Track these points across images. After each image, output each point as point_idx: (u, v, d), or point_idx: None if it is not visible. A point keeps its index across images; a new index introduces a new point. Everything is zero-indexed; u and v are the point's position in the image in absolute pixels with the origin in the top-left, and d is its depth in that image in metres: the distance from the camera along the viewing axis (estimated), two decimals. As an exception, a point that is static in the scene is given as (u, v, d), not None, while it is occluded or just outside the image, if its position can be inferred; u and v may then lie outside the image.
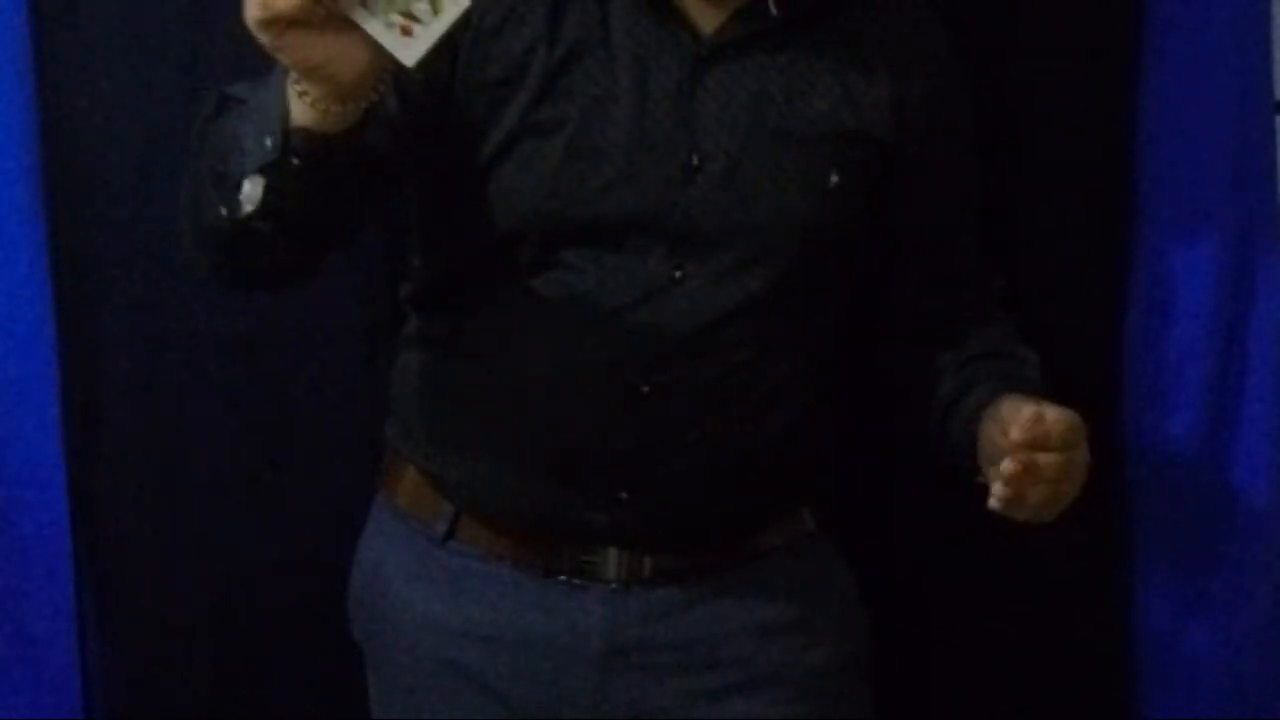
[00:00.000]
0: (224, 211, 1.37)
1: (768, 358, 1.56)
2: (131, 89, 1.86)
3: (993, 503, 1.42)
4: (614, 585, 1.58)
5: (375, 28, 1.25)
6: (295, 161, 1.32)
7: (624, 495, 1.55)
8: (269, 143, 1.32)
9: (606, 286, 1.51)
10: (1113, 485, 1.90)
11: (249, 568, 1.96)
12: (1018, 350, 1.66)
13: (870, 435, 1.83)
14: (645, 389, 1.53)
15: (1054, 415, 1.41)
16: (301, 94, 1.29)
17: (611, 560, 1.58)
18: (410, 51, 1.25)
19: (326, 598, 1.80)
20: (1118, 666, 1.93)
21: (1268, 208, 1.85)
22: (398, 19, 1.25)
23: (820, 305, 1.61)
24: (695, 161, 1.50)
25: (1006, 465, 1.39)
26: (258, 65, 1.81)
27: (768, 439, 1.58)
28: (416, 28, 1.25)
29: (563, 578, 1.59)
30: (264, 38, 1.25)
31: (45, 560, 1.92)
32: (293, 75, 1.29)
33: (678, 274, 1.52)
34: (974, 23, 1.80)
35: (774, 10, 1.52)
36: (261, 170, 1.33)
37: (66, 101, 1.86)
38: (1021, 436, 1.39)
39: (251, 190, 1.34)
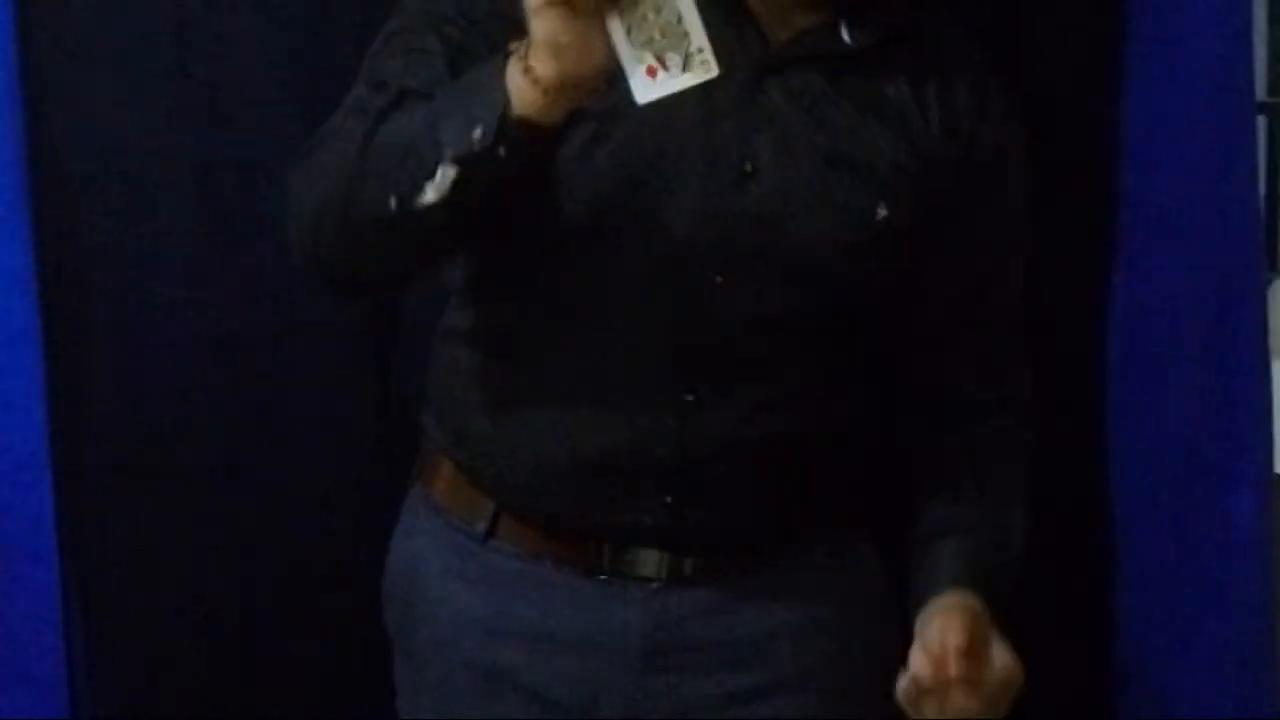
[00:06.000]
0: (394, 202, 1.37)
1: (810, 367, 1.56)
2: (118, 93, 1.87)
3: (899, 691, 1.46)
4: (655, 584, 1.58)
5: (626, 55, 1.31)
6: (502, 151, 1.33)
7: (668, 499, 1.55)
8: (479, 132, 1.33)
9: (651, 288, 1.51)
10: (1096, 483, 1.90)
11: (236, 568, 1.96)
12: (1006, 513, 1.65)
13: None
14: (689, 398, 1.53)
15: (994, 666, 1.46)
16: (529, 72, 1.31)
17: (653, 560, 1.58)
18: (645, 91, 1.32)
19: (314, 598, 1.80)
20: (1100, 667, 1.94)
21: (1249, 206, 1.85)
22: (649, 58, 1.31)
23: (861, 321, 1.60)
24: (749, 169, 1.50)
25: (921, 669, 1.44)
26: (242, 68, 1.85)
27: (810, 445, 1.58)
28: (661, 73, 1.31)
29: (603, 577, 1.58)
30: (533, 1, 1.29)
31: (31, 562, 1.91)
32: (521, 59, 1.31)
33: (719, 279, 1.51)
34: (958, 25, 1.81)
35: (847, 38, 1.52)
36: (459, 161, 1.34)
37: (53, 103, 1.86)
38: (954, 670, 1.43)
39: (442, 180, 1.35)
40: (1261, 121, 2.01)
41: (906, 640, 1.69)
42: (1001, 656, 1.48)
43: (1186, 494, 1.89)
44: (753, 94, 1.51)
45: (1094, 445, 1.89)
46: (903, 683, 1.45)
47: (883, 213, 1.54)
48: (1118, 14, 1.81)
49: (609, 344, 1.53)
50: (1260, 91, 1.85)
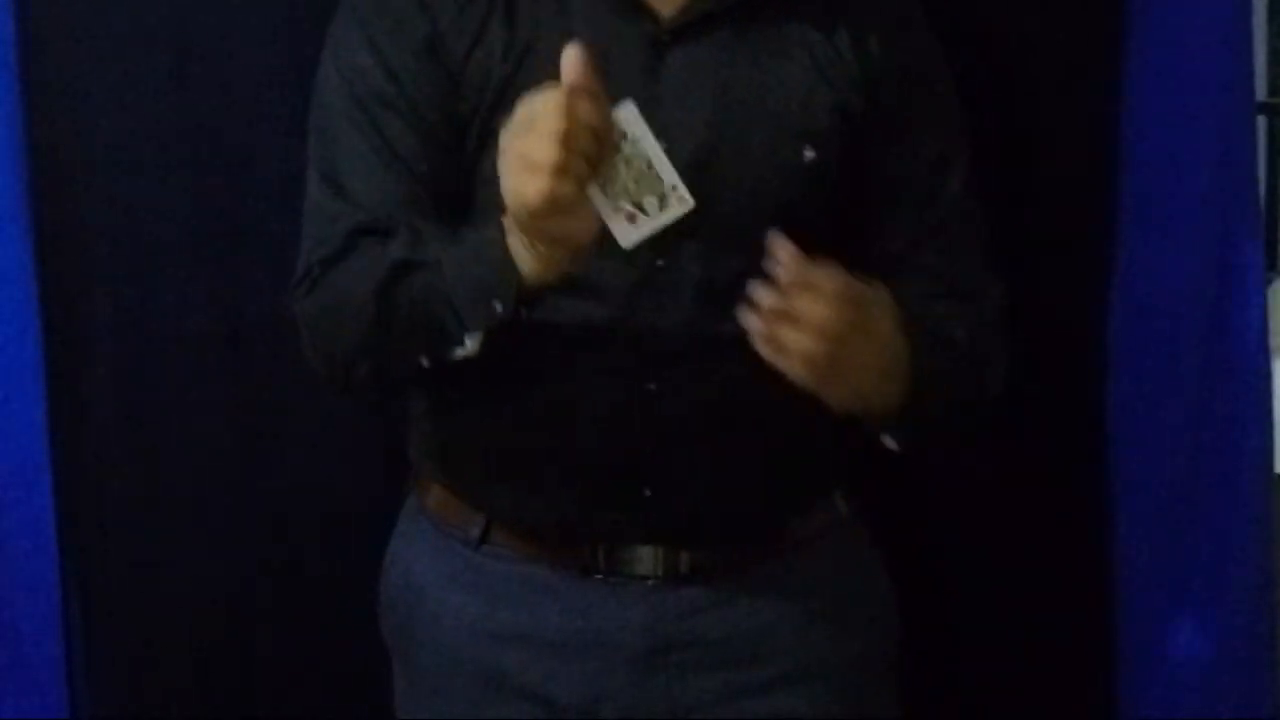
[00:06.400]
0: (426, 360, 1.48)
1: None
2: (118, 93, 1.86)
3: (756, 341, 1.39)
4: (652, 582, 1.57)
5: (605, 209, 1.38)
6: (523, 313, 1.43)
7: (647, 493, 1.54)
8: (498, 306, 1.42)
9: (595, 285, 1.51)
10: (1096, 482, 1.90)
11: (235, 570, 1.96)
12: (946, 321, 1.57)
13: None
14: (652, 386, 1.52)
15: (828, 272, 1.39)
16: (541, 257, 1.39)
17: (647, 557, 1.57)
18: (629, 237, 1.39)
19: (314, 598, 1.80)
20: (1100, 666, 1.94)
21: (1249, 207, 1.85)
22: (627, 206, 1.38)
23: None
24: (664, 146, 1.47)
25: (763, 297, 1.37)
26: (242, 68, 1.84)
27: (784, 425, 1.57)
28: (641, 217, 1.39)
29: (599, 576, 1.58)
30: (524, 217, 1.35)
31: (31, 561, 1.92)
32: (526, 241, 1.39)
33: (660, 263, 1.51)
34: (957, 23, 1.81)
35: None
36: (484, 328, 1.44)
37: (53, 103, 1.86)
38: (786, 275, 1.37)
39: (471, 343, 1.45)
40: (1261, 122, 2.01)
41: (906, 633, 1.70)
42: (840, 271, 1.41)
43: (1187, 493, 1.89)
44: (653, 73, 1.50)
45: (1094, 444, 1.89)
46: (752, 326, 1.38)
47: (810, 155, 1.53)
48: (1118, 14, 1.81)
49: (566, 347, 1.53)
50: (1260, 92, 1.85)
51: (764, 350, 1.38)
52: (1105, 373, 1.89)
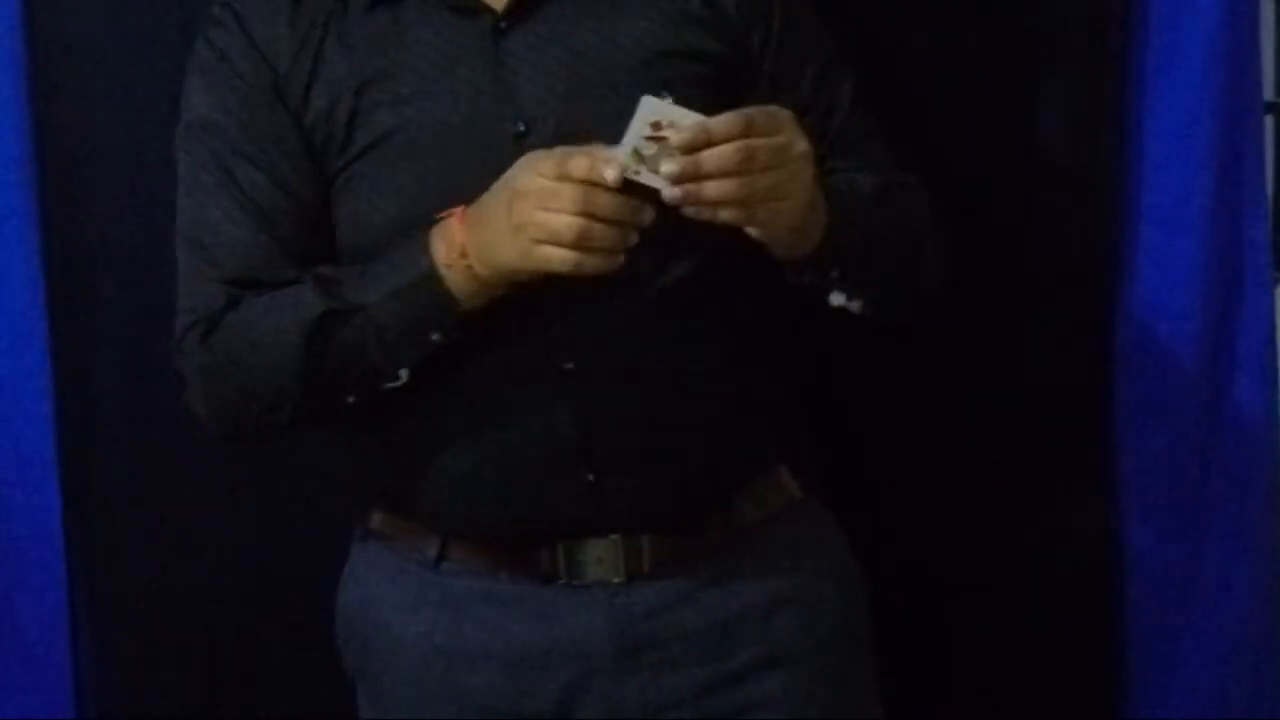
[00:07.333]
0: (353, 399, 1.52)
1: (677, 297, 1.52)
2: (124, 91, 1.87)
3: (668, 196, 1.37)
4: (616, 581, 1.56)
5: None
6: (458, 335, 1.47)
7: (590, 477, 1.53)
8: (436, 336, 1.46)
9: None
10: (1103, 482, 1.90)
11: (241, 570, 1.96)
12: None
13: (862, 400, 1.85)
14: (569, 366, 1.51)
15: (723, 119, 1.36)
16: (489, 287, 1.43)
17: (607, 556, 1.56)
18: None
19: (319, 601, 1.79)
20: (1108, 667, 1.94)
21: (1258, 209, 1.85)
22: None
23: (715, 243, 1.50)
24: (521, 128, 1.49)
25: (667, 166, 1.35)
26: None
27: (711, 395, 1.56)
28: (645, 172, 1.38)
29: (562, 582, 1.57)
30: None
31: (38, 561, 1.92)
32: (463, 261, 1.42)
33: None
34: (962, 23, 1.81)
35: None
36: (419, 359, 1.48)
37: (59, 103, 1.87)
38: (680, 138, 1.35)
39: (405, 375, 1.49)
40: (1269, 121, 2.00)
41: (875, 611, 1.69)
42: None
43: (1194, 493, 1.89)
44: (501, 62, 1.51)
45: (1100, 444, 1.89)
46: (672, 197, 1.36)
47: (669, 100, 1.49)
48: (1125, 14, 1.81)
49: (478, 346, 1.51)
50: (1268, 92, 1.84)
51: (692, 214, 1.37)
52: (1112, 373, 1.88)
